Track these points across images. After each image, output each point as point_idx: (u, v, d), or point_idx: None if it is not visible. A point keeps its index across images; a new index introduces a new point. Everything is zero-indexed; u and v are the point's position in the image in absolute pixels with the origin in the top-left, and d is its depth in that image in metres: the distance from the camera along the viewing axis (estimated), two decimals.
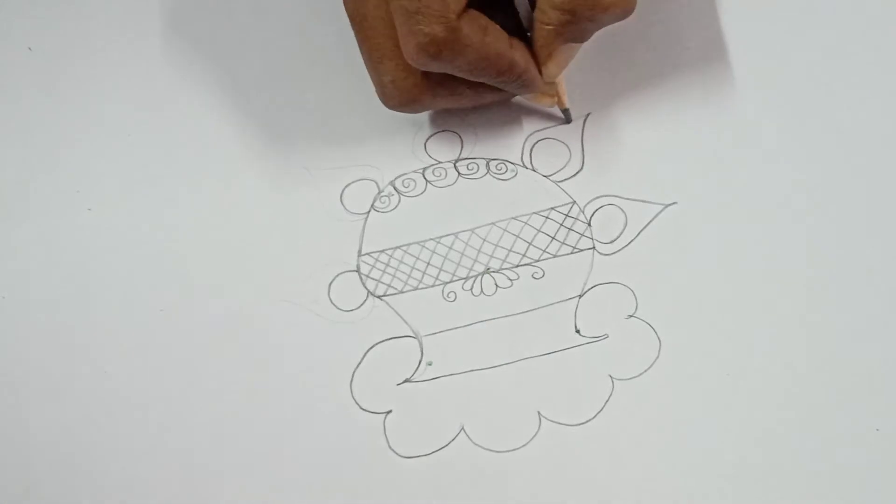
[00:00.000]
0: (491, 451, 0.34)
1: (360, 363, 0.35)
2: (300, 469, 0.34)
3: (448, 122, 0.39)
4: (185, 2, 0.42)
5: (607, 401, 0.34)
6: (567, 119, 0.38)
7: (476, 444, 0.34)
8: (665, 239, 0.36)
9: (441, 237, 0.37)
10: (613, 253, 0.36)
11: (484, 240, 0.37)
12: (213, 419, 0.35)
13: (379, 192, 0.38)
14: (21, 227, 0.39)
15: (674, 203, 0.37)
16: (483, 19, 0.33)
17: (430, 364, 0.35)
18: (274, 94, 0.40)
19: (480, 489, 0.33)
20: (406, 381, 0.35)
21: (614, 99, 0.39)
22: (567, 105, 0.38)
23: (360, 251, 0.37)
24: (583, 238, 0.37)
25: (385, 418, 0.34)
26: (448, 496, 0.33)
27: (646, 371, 0.34)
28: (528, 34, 0.35)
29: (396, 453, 0.34)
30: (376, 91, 0.35)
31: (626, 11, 0.33)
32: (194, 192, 0.39)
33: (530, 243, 0.37)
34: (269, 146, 0.39)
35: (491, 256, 0.37)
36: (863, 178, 0.37)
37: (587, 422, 0.34)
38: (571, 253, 0.37)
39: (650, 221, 0.37)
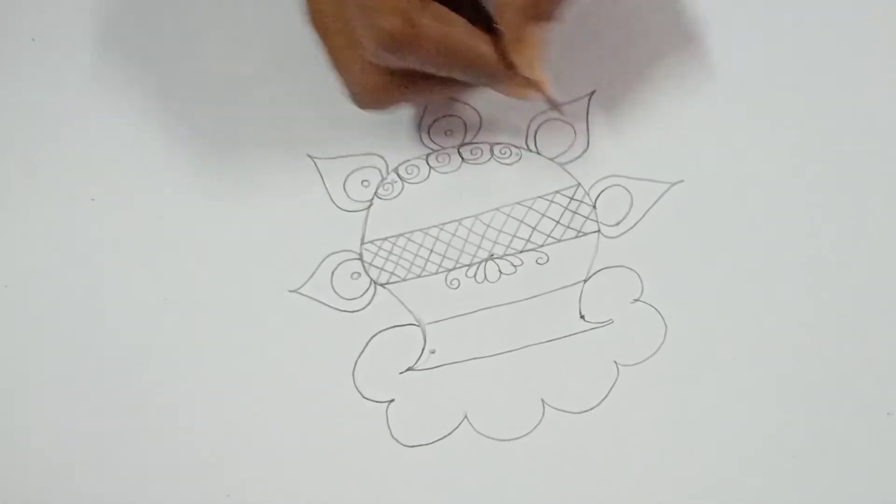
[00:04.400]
0: (494, 439, 0.33)
1: (362, 352, 0.35)
2: (302, 458, 0.34)
3: (451, 107, 0.38)
4: None
5: (612, 387, 0.33)
6: (556, 109, 0.35)
7: (479, 433, 0.34)
8: (671, 219, 0.35)
9: (444, 224, 0.37)
10: (619, 235, 0.35)
11: (488, 226, 0.36)
12: (215, 407, 0.35)
13: (382, 180, 0.38)
14: (24, 217, 0.39)
15: (680, 181, 0.36)
16: (444, 10, 0.32)
17: (432, 352, 0.35)
18: (276, 83, 0.40)
19: (484, 478, 0.33)
20: (409, 369, 0.35)
21: (619, 75, 0.38)
22: (552, 95, 0.34)
23: (363, 239, 0.37)
24: (588, 221, 0.36)
25: (388, 407, 0.34)
26: (451, 485, 0.33)
27: (651, 356, 0.33)
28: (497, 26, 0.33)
29: (399, 442, 0.34)
30: (347, 94, 0.35)
31: None
32: (197, 181, 0.38)
33: (534, 228, 0.36)
34: (272, 134, 0.39)
35: (494, 242, 0.36)
36: (878, 156, 0.35)
37: (591, 409, 0.33)
38: (576, 237, 0.36)
39: (656, 201, 0.36)
